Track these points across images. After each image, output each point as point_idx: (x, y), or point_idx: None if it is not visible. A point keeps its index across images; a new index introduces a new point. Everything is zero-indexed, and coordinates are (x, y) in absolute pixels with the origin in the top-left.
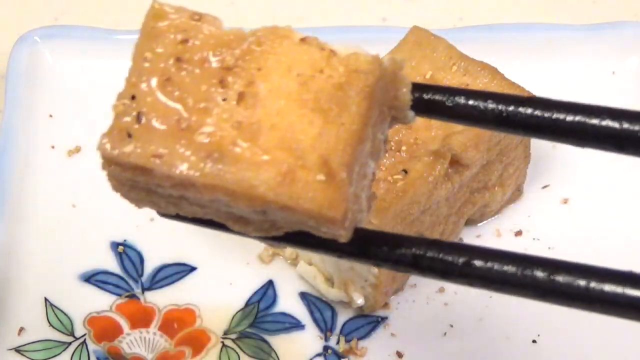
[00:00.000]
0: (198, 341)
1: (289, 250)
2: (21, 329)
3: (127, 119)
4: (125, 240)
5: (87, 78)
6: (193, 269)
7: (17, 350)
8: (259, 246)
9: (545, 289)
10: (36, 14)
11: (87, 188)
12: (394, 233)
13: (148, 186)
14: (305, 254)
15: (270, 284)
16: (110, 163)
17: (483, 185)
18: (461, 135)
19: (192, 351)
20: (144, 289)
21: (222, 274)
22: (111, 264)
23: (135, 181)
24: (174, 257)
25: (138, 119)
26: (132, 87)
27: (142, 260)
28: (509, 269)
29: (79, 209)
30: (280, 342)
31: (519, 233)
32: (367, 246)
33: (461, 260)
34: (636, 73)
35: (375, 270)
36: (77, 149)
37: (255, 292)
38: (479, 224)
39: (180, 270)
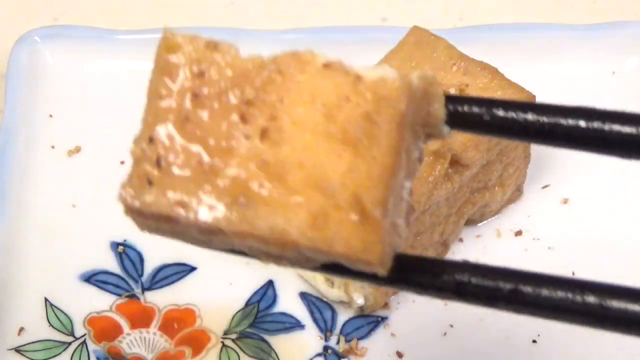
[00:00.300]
0: (198, 341)
1: None
2: (21, 329)
3: (146, 165)
4: (125, 240)
5: (87, 78)
6: (193, 269)
7: (17, 350)
8: None
9: (598, 315)
10: (36, 14)
11: (87, 188)
12: (434, 258)
13: (174, 229)
14: None
15: (270, 284)
16: (133, 212)
17: (483, 185)
18: (461, 135)
19: (192, 351)
20: (144, 289)
21: (222, 274)
22: (111, 264)
23: (161, 227)
24: (174, 257)
25: (157, 163)
26: (149, 128)
27: (142, 260)
28: (559, 294)
29: (79, 209)
30: (280, 342)
31: (519, 233)
32: (408, 273)
33: (508, 286)
34: (636, 73)
35: None
36: (77, 149)
37: (255, 292)
38: (479, 224)
39: (180, 270)
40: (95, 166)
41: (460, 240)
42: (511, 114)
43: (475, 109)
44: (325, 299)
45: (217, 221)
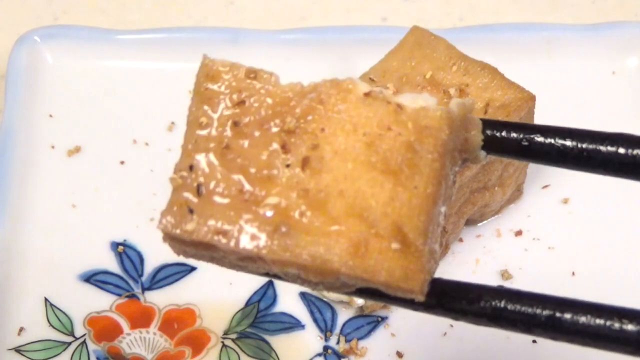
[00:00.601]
0: (198, 341)
1: None
2: (21, 329)
3: (187, 193)
4: (125, 240)
5: (87, 78)
6: (193, 269)
7: (17, 350)
8: None
9: (638, 344)
10: (36, 14)
11: (87, 188)
12: (471, 283)
13: (212, 255)
14: None
15: (270, 283)
16: (173, 239)
17: (483, 185)
18: None
19: (192, 351)
20: (144, 289)
21: (222, 274)
22: (111, 264)
23: (199, 253)
24: (174, 257)
25: (198, 191)
26: (189, 156)
27: (142, 260)
28: (598, 322)
29: (79, 209)
30: (280, 342)
31: (519, 233)
32: (444, 299)
33: (545, 313)
34: (636, 73)
35: None
36: (77, 149)
37: (255, 292)
38: (479, 224)
39: (180, 270)
40: (95, 166)
41: (460, 240)
42: (549, 140)
43: (513, 135)
44: (325, 299)
45: (258, 249)
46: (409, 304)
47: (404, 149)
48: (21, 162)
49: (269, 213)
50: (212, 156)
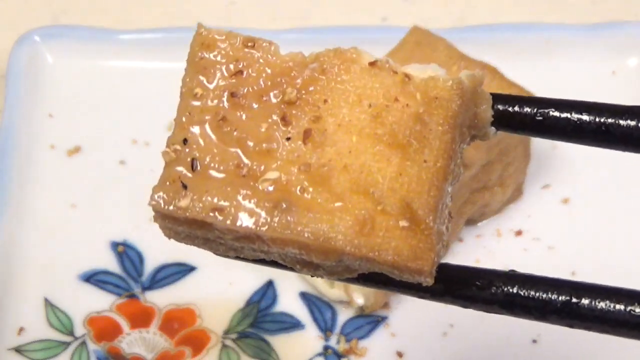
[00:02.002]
0: (198, 341)
1: None
2: (21, 329)
3: (180, 167)
4: (125, 240)
5: (87, 78)
6: (193, 268)
7: (17, 350)
8: None
9: None
10: (36, 14)
11: (87, 188)
12: (480, 268)
13: (206, 236)
14: None
15: (270, 283)
16: (165, 218)
17: (483, 185)
18: None
19: (192, 351)
20: (144, 289)
21: (222, 274)
22: (111, 263)
23: (193, 232)
24: (174, 257)
25: (192, 166)
26: (183, 129)
27: (142, 260)
28: (618, 307)
29: (79, 209)
30: (280, 342)
31: (519, 233)
32: (452, 285)
33: (561, 298)
34: (636, 73)
35: None
36: (77, 149)
37: (255, 292)
38: (479, 224)
39: (180, 270)
40: (95, 166)
41: (460, 240)
42: (565, 115)
43: (527, 109)
44: (325, 299)
45: (257, 227)
46: (416, 290)
47: (413, 121)
48: (21, 162)
49: (269, 188)
50: (207, 129)
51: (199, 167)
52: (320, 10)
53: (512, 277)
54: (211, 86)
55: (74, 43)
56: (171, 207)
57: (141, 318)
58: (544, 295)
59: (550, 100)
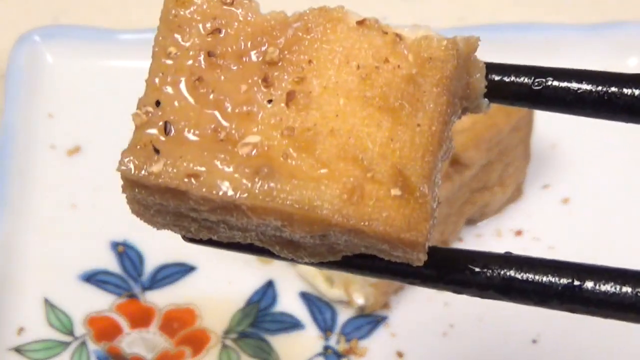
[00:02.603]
0: (198, 341)
1: None
2: (21, 329)
3: (152, 130)
4: (125, 240)
5: (87, 78)
6: (193, 268)
7: (17, 350)
8: None
9: None
10: (36, 14)
11: (87, 188)
12: (474, 251)
13: (179, 210)
14: None
15: (270, 283)
16: (135, 186)
17: (483, 185)
18: (461, 135)
19: (192, 351)
20: (144, 289)
21: (222, 274)
22: (111, 263)
23: (164, 205)
24: (174, 257)
25: (165, 130)
26: (156, 90)
27: (142, 260)
28: (625, 290)
29: (79, 208)
30: (280, 342)
31: (519, 233)
32: (445, 269)
33: (562, 281)
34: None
35: None
36: (77, 149)
37: (255, 292)
38: (479, 224)
39: (180, 270)
40: (95, 166)
41: (460, 240)
42: (564, 84)
43: (523, 79)
44: (325, 299)
45: (235, 194)
46: (406, 277)
47: (405, 83)
48: (21, 162)
49: (249, 153)
50: (182, 90)
51: (172, 131)
52: None
53: (509, 259)
54: (186, 45)
55: (74, 43)
56: (142, 173)
57: (141, 318)
58: (544, 279)
59: (549, 69)
